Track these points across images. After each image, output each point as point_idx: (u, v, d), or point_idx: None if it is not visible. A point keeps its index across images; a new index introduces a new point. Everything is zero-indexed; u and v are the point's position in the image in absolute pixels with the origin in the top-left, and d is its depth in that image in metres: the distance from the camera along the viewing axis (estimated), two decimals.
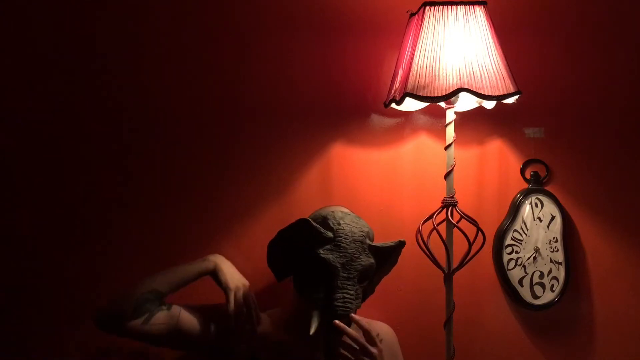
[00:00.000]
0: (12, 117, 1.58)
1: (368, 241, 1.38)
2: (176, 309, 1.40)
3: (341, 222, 1.37)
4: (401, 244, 1.43)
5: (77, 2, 1.59)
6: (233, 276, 1.44)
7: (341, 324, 1.31)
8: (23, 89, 1.58)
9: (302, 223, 1.36)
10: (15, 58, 1.58)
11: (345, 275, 1.32)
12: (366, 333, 1.33)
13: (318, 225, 1.35)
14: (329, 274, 1.33)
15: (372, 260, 1.36)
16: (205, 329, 1.41)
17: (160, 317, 1.38)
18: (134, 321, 1.35)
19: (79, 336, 1.58)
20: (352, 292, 1.32)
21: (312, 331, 1.31)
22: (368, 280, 1.39)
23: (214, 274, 1.44)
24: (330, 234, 1.35)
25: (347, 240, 1.34)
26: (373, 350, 1.31)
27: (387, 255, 1.43)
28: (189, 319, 1.40)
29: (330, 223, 1.37)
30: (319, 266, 1.33)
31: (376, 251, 1.39)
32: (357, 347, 1.31)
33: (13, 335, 1.58)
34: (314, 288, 1.34)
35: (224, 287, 1.42)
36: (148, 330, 1.36)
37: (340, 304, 1.30)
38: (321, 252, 1.33)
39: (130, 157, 1.61)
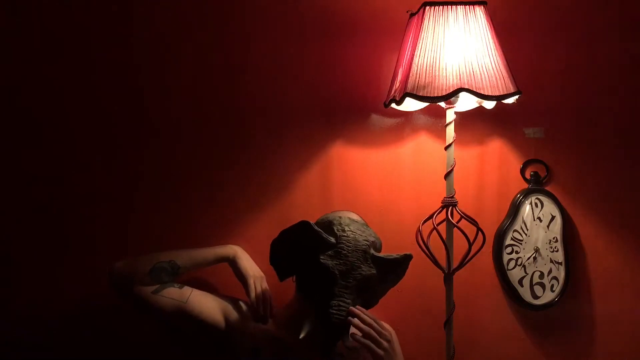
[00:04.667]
0: (15, 116, 1.59)
1: (372, 251, 1.36)
2: (188, 289, 1.45)
3: (346, 228, 1.36)
4: (407, 258, 1.41)
5: (79, 2, 1.59)
6: (252, 266, 1.52)
7: (356, 310, 1.32)
8: (24, 89, 1.59)
9: (303, 226, 1.36)
10: (14, 57, 1.58)
11: (343, 283, 1.32)
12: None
13: (320, 230, 1.35)
14: (327, 280, 1.32)
15: (373, 271, 1.35)
16: (211, 316, 1.44)
17: (171, 292, 1.42)
18: (144, 287, 1.40)
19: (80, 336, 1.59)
20: (348, 301, 1.31)
21: (300, 336, 1.33)
22: (370, 291, 1.37)
23: (234, 262, 1.51)
24: (332, 240, 1.34)
25: (349, 248, 1.33)
26: (386, 332, 1.33)
27: (392, 268, 1.40)
28: (197, 302, 1.43)
29: (335, 229, 1.36)
30: (318, 271, 1.33)
31: (380, 262, 1.36)
32: (373, 331, 1.32)
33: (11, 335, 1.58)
34: (313, 290, 1.34)
35: (243, 274, 1.49)
36: (155, 300, 1.40)
37: (334, 312, 1.30)
38: (321, 257, 1.33)
39: (131, 157, 1.62)
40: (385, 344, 1.31)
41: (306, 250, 1.36)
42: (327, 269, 1.31)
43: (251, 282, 1.48)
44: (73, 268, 1.59)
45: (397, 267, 1.41)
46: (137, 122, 1.62)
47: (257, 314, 1.47)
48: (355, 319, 1.31)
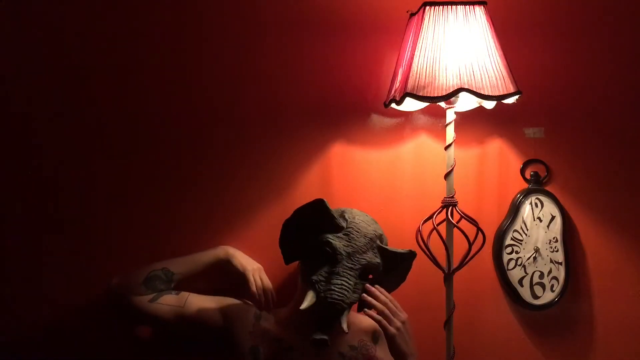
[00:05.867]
0: (13, 115, 1.59)
1: (378, 242, 1.40)
2: (184, 294, 1.46)
3: (356, 217, 1.41)
4: (411, 255, 1.44)
5: (75, 3, 1.59)
6: (248, 260, 1.53)
7: (372, 288, 1.35)
8: (21, 88, 1.59)
9: (318, 203, 1.39)
10: (12, 57, 1.58)
11: (348, 265, 1.34)
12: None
13: (332, 209, 1.39)
14: (333, 260, 1.35)
15: (378, 260, 1.38)
16: (210, 318, 1.44)
17: (168, 298, 1.44)
18: (141, 297, 1.42)
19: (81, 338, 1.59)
20: (351, 283, 1.33)
21: (303, 306, 1.32)
22: (372, 282, 1.39)
23: (228, 260, 1.52)
24: (343, 223, 1.39)
25: (358, 234, 1.37)
26: (401, 314, 1.35)
27: (395, 263, 1.44)
28: (195, 305, 1.45)
29: (346, 216, 1.42)
30: (325, 251, 1.36)
31: (384, 254, 1.40)
32: (387, 310, 1.34)
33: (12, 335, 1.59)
34: (316, 271, 1.35)
35: (241, 270, 1.51)
36: (153, 308, 1.42)
37: (337, 289, 1.31)
38: (330, 237, 1.36)
39: (133, 156, 1.61)
40: (398, 323, 1.33)
41: (316, 230, 1.39)
42: (334, 248, 1.35)
43: (250, 275, 1.50)
44: (73, 270, 1.59)
45: (400, 262, 1.44)
46: (137, 124, 1.61)
47: (260, 304, 1.49)
48: (369, 296, 1.34)
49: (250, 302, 1.52)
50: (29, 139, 1.59)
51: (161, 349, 1.58)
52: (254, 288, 1.49)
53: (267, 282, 1.52)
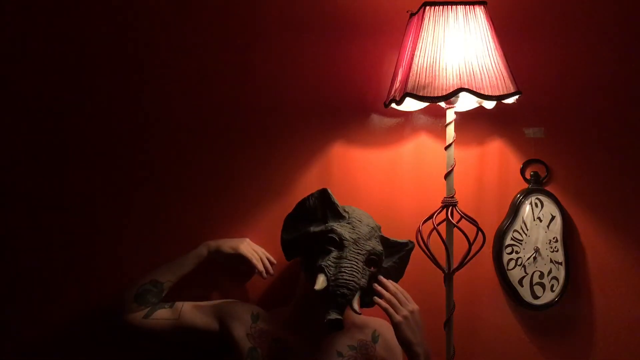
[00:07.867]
0: (12, 116, 1.59)
1: (379, 232, 1.45)
2: (178, 305, 1.46)
3: (356, 210, 1.46)
4: (411, 244, 1.49)
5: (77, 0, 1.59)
6: (233, 241, 1.55)
7: (383, 278, 1.40)
8: (22, 89, 1.59)
9: (322, 192, 1.44)
10: (14, 57, 1.58)
11: (355, 250, 1.37)
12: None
13: (335, 199, 1.44)
14: (339, 247, 1.37)
15: (381, 248, 1.43)
16: (206, 325, 1.44)
17: (161, 313, 1.44)
18: (136, 314, 1.42)
19: (79, 334, 1.59)
20: (359, 266, 1.36)
21: (317, 287, 1.32)
22: (376, 271, 1.41)
23: (216, 251, 1.53)
24: (345, 214, 1.43)
25: (360, 223, 1.42)
26: (410, 305, 1.37)
27: (394, 252, 1.48)
28: (190, 314, 1.45)
29: (346, 209, 1.46)
30: (331, 238, 1.38)
31: (385, 242, 1.45)
32: (395, 299, 1.37)
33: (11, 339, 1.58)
34: (323, 259, 1.36)
35: (234, 252, 1.52)
36: (148, 324, 1.42)
37: (347, 271, 1.33)
38: (335, 225, 1.39)
39: (134, 158, 1.61)
40: (405, 312, 1.35)
41: (318, 221, 1.43)
42: (341, 235, 1.38)
43: (245, 251, 1.52)
44: (74, 270, 1.59)
45: (398, 251, 1.48)
46: (136, 125, 1.61)
47: (262, 273, 1.53)
48: (378, 286, 1.38)
49: (246, 303, 1.53)
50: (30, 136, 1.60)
51: (161, 351, 1.58)
52: (257, 262, 1.52)
53: (261, 250, 1.56)
